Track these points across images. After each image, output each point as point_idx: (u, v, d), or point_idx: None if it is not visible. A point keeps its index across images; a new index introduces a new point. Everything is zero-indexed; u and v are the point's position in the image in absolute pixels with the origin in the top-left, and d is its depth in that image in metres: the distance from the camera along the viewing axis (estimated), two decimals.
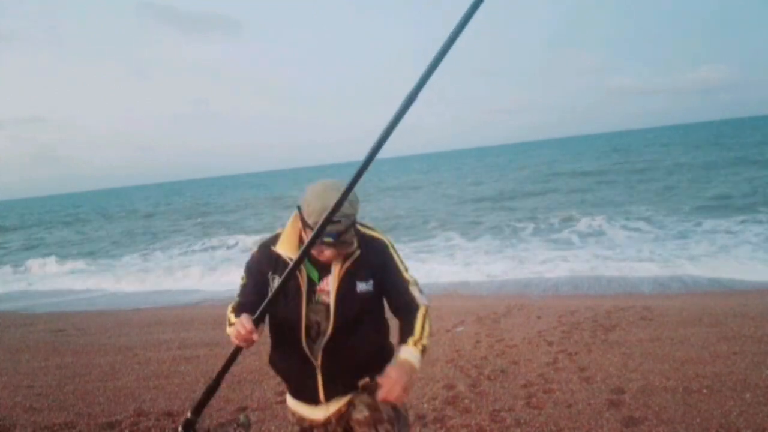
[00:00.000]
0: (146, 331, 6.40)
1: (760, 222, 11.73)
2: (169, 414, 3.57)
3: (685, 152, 37.13)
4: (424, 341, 1.79)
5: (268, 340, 1.90)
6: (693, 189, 18.68)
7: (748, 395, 3.29)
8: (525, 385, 3.72)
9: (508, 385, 3.77)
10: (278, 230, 1.92)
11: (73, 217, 43.68)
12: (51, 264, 16.42)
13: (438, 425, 3.20)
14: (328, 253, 1.74)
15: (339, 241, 1.72)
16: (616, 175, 26.40)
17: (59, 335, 6.45)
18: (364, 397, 1.90)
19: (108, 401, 3.88)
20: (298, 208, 1.79)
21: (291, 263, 1.66)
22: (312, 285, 1.82)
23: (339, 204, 1.57)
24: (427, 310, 1.86)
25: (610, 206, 16.69)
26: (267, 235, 1.95)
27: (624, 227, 12.95)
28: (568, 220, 14.57)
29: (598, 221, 13.82)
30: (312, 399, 1.88)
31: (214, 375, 1.63)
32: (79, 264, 16.20)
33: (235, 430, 1.77)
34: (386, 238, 1.95)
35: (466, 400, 3.53)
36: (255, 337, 1.60)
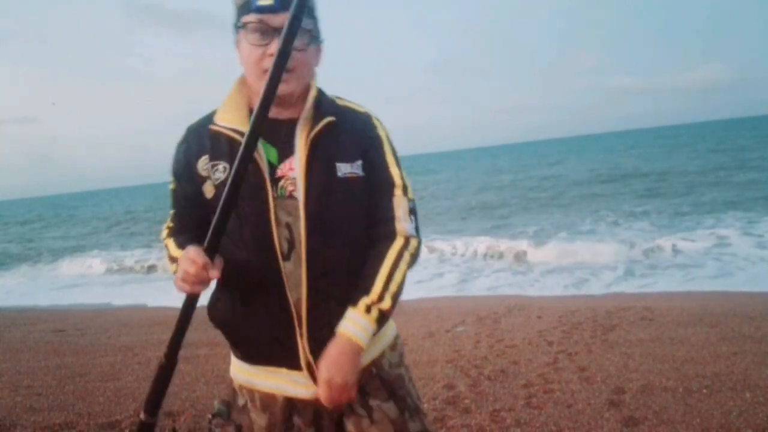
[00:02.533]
0: (146, 331, 6.39)
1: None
2: (169, 414, 3.57)
3: (688, 152, 37.12)
4: (385, 303, 1.20)
5: None
6: (694, 189, 18.68)
7: (748, 395, 3.29)
8: (525, 385, 3.72)
9: (508, 385, 3.77)
10: (213, 109, 1.31)
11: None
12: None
13: (438, 425, 3.19)
14: (274, 48, 1.12)
15: (285, 6, 1.11)
16: (616, 175, 26.40)
17: (59, 335, 6.44)
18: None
19: (108, 401, 3.88)
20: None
21: (243, 137, 1.10)
22: (271, 171, 1.20)
23: None
24: (407, 244, 1.25)
25: (613, 207, 16.67)
26: (198, 118, 1.32)
27: (627, 228, 12.95)
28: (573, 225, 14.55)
29: (602, 223, 13.82)
30: (287, 361, 1.23)
31: (164, 352, 1.18)
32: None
33: (210, 423, 1.30)
34: (372, 112, 1.35)
35: (466, 400, 3.53)
36: (214, 273, 1.10)
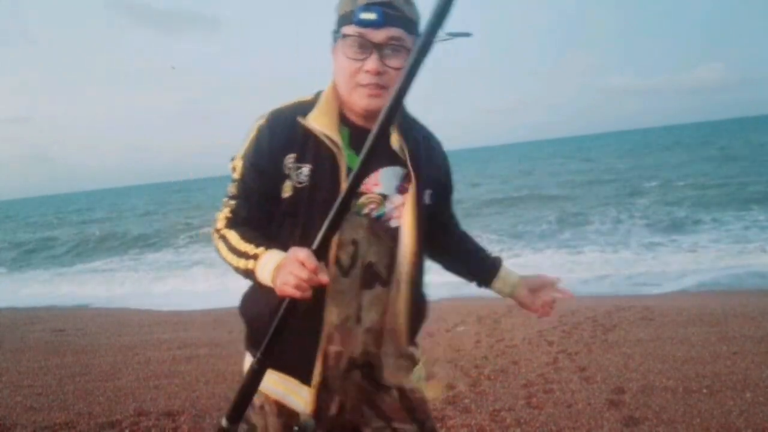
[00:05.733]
0: (146, 331, 6.40)
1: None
2: (169, 414, 3.57)
3: (690, 152, 37.13)
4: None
5: None
6: (693, 188, 18.66)
7: (748, 395, 3.29)
8: (525, 385, 3.72)
9: (509, 384, 3.77)
10: (299, 99, 1.28)
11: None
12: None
13: (438, 425, 3.19)
14: (370, 65, 1.14)
15: (389, 22, 1.12)
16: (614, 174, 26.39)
17: (59, 335, 6.44)
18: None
19: (108, 401, 3.88)
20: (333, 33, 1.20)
21: (332, 145, 1.16)
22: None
23: None
24: None
25: (617, 205, 16.63)
26: (282, 105, 1.27)
27: (627, 226, 12.95)
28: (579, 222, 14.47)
29: (608, 220, 13.84)
30: (300, 374, 1.25)
31: (257, 356, 1.13)
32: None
33: None
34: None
35: (466, 400, 3.53)
36: (324, 277, 1.04)
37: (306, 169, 1.19)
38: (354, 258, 1.22)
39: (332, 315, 1.21)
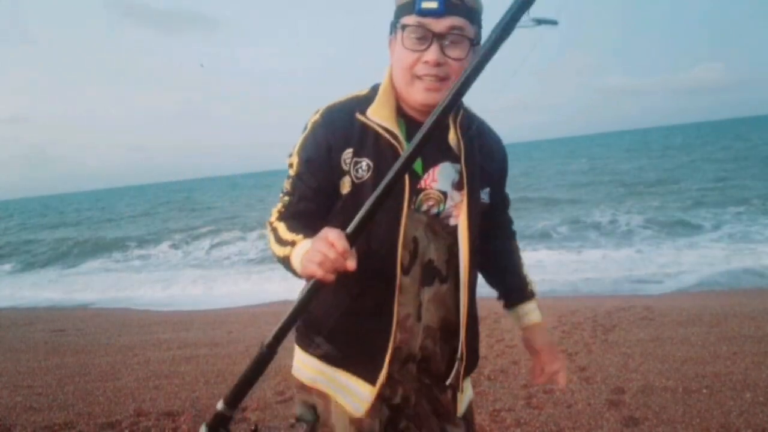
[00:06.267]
0: (146, 331, 6.40)
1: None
2: (169, 414, 3.57)
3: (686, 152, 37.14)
4: (535, 286, 1.48)
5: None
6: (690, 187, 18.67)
7: (748, 395, 3.29)
8: (525, 385, 3.72)
9: (508, 384, 3.77)
10: (353, 93, 1.26)
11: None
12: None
13: None
14: (430, 56, 1.10)
15: (450, 11, 1.08)
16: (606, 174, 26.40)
17: (59, 335, 6.45)
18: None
19: (108, 401, 3.88)
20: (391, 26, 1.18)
21: (392, 139, 1.14)
22: (413, 179, 1.18)
23: None
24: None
25: (617, 204, 16.65)
26: (336, 100, 1.25)
27: (627, 225, 12.95)
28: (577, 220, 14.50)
29: (608, 220, 13.85)
30: (365, 373, 1.22)
31: (267, 341, 1.09)
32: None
33: (293, 427, 1.25)
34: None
35: None
36: (351, 264, 0.99)
37: (365, 164, 1.18)
38: (414, 255, 1.21)
39: (399, 312, 1.20)
